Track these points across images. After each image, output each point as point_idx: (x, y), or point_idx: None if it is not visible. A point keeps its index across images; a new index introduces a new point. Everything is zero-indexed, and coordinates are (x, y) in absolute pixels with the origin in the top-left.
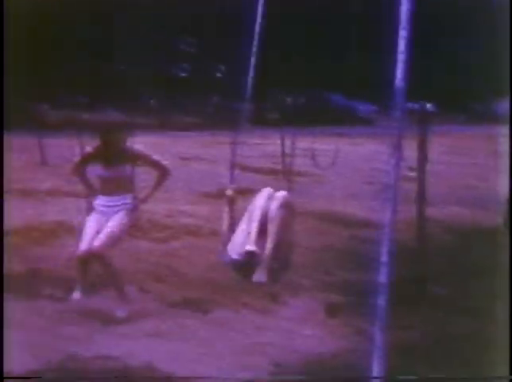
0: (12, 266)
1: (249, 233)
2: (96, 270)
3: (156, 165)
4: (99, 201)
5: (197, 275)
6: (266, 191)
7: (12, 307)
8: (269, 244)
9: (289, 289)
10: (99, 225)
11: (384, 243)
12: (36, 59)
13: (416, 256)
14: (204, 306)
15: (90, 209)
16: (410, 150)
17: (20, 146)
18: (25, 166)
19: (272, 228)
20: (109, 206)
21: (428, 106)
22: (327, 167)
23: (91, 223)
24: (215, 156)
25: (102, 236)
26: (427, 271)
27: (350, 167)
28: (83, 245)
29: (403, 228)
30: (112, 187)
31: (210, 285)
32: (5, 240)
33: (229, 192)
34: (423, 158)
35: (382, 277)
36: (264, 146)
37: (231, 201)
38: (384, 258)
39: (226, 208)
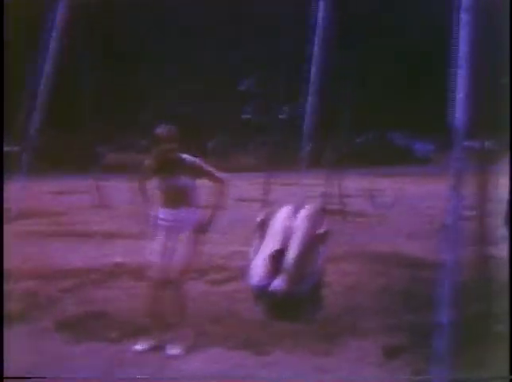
0: (71, 307)
1: (273, 246)
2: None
3: (211, 176)
4: (161, 215)
5: (255, 317)
6: (286, 209)
7: (71, 350)
8: (291, 254)
9: (349, 330)
10: (166, 245)
11: (445, 284)
12: (98, 105)
13: (479, 296)
14: (263, 348)
15: (154, 227)
16: (470, 189)
17: (80, 189)
18: (85, 208)
19: (295, 239)
20: (172, 220)
21: (487, 143)
22: (386, 207)
23: (158, 246)
24: (272, 197)
25: (176, 263)
26: (491, 310)
27: (409, 207)
28: (157, 272)
29: (465, 268)
30: (172, 199)
31: (268, 326)
32: (66, 282)
33: (259, 217)
34: (483, 197)
35: (443, 318)
36: (321, 186)
37: (261, 226)
38: (444, 299)
39: (257, 234)
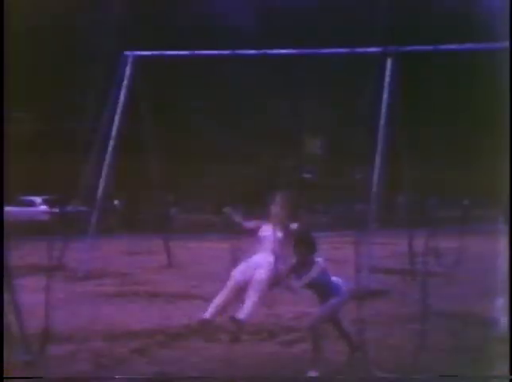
0: (139, 367)
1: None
2: None
3: None
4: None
5: (323, 378)
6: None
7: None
8: (247, 308)
9: None
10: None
11: None
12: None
13: None
14: None
15: None
16: None
17: (148, 249)
18: (154, 269)
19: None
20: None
21: None
22: (451, 266)
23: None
24: (343, 256)
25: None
26: None
27: (480, 265)
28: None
29: None
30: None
31: None
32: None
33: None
34: None
35: None
36: (391, 245)
37: None
38: None
39: None
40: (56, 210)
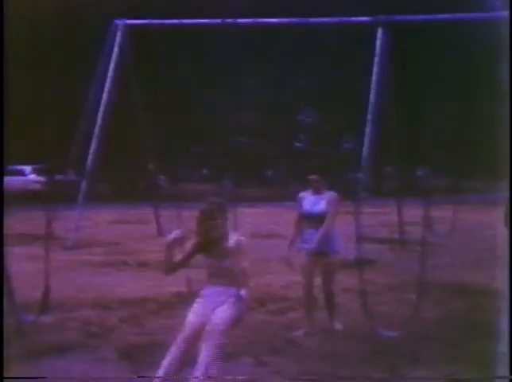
0: (129, 337)
1: None
2: None
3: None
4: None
5: (314, 347)
6: None
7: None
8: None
9: (409, 361)
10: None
11: (504, 312)
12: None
13: None
14: (323, 379)
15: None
16: None
17: (137, 218)
18: (142, 238)
19: None
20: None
21: None
22: (445, 235)
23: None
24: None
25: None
26: None
27: (469, 235)
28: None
29: None
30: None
31: (328, 356)
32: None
33: None
34: None
35: (502, 346)
36: (381, 215)
37: None
38: (504, 327)
39: None
40: (46, 179)
